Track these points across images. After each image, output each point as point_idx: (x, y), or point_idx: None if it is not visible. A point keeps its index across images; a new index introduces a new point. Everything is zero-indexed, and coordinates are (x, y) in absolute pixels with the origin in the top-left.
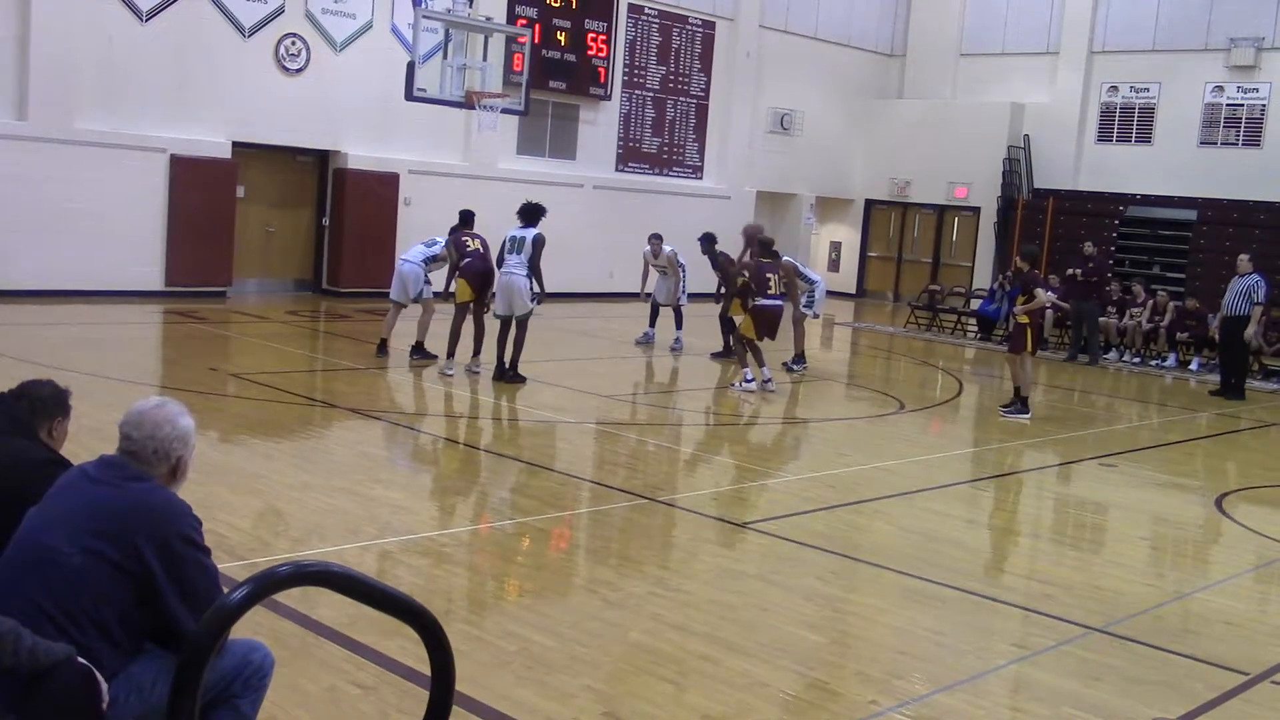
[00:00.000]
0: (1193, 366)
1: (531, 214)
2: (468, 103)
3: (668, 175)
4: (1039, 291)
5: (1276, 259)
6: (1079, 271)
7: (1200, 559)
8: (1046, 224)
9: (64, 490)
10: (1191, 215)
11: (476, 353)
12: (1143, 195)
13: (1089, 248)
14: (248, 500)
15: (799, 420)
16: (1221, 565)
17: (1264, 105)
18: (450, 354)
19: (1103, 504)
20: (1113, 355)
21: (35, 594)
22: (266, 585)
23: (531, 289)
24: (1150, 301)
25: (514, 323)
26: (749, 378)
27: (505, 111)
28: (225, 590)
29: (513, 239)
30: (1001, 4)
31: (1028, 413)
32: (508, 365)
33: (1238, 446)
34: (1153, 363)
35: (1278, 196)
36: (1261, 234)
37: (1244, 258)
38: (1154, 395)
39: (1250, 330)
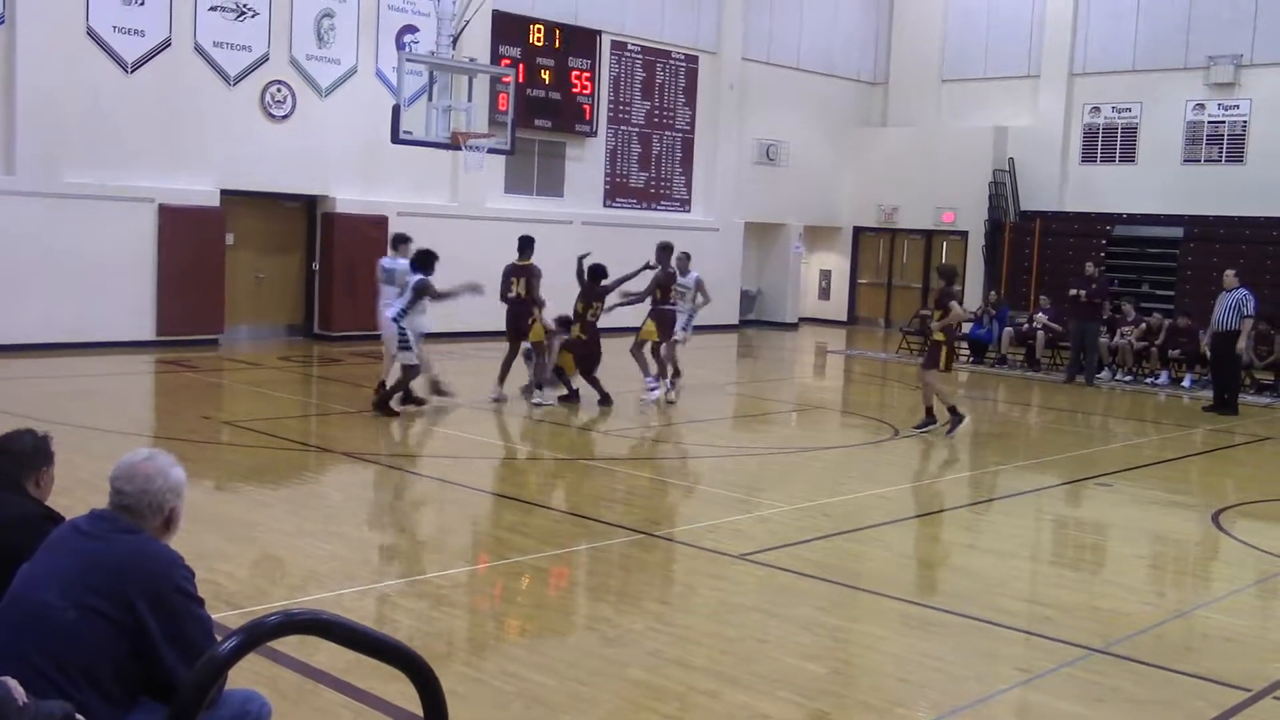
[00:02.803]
0: (1185, 383)
1: (424, 260)
2: (454, 144)
3: (656, 209)
4: (954, 305)
5: (1265, 273)
6: (1082, 292)
7: (1199, 576)
8: (1034, 246)
9: (56, 546)
10: (1178, 233)
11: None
12: (1129, 214)
13: (1090, 268)
14: (244, 548)
15: (794, 449)
16: (1221, 582)
17: (1245, 121)
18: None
19: (1100, 524)
20: (1105, 374)
21: (30, 652)
22: (256, 635)
23: (403, 333)
24: (1144, 324)
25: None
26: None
27: (492, 151)
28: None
29: (385, 270)
30: (981, 29)
31: (934, 423)
32: (384, 398)
33: (1232, 462)
34: (1146, 380)
35: (1262, 211)
36: (1248, 249)
37: (1230, 273)
38: (1148, 413)
39: (1241, 343)
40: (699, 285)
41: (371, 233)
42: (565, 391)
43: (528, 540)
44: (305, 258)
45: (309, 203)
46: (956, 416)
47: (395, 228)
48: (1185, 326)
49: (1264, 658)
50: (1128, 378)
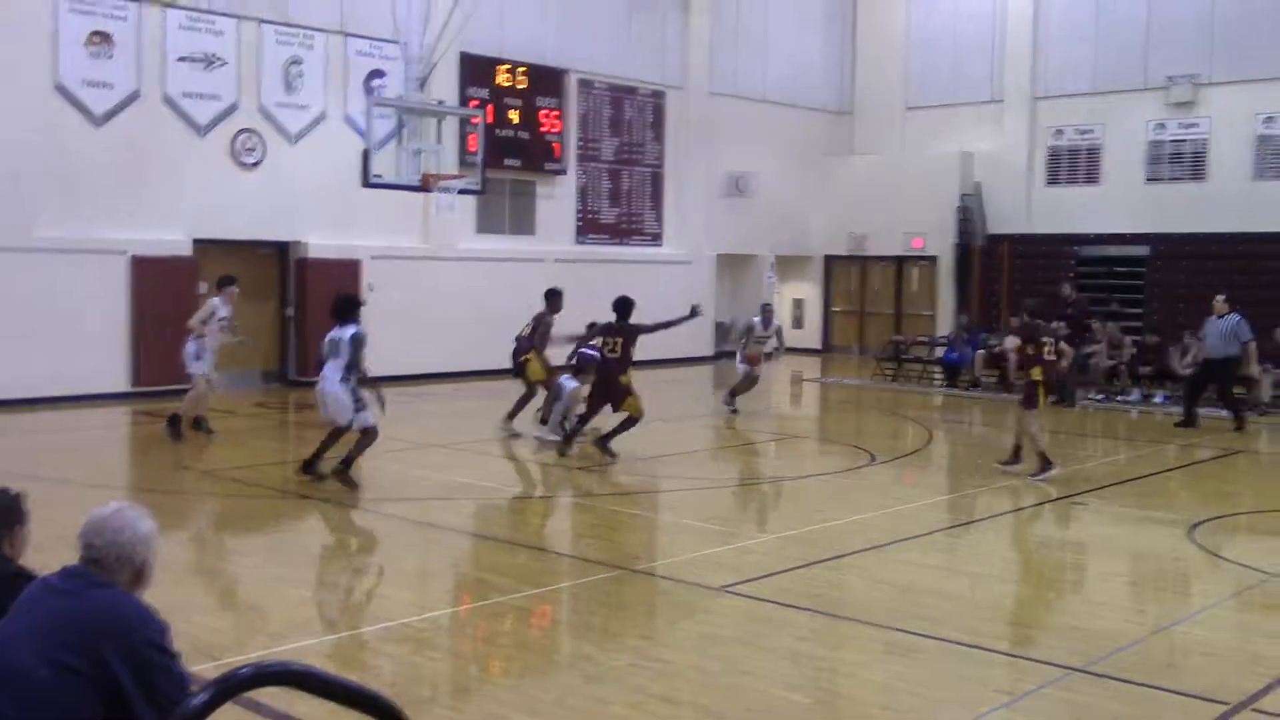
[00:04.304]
0: (1158, 400)
1: (345, 309)
2: (425, 186)
3: (628, 244)
4: (1064, 346)
5: (1231, 288)
6: (1062, 315)
7: (1177, 591)
8: (1004, 269)
9: (28, 604)
10: (1145, 251)
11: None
12: (1096, 234)
13: (1068, 290)
14: (223, 599)
15: (772, 479)
16: (1198, 596)
17: (1205, 139)
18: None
19: (1078, 542)
20: (1078, 394)
21: (5, 712)
22: (227, 689)
23: (355, 395)
24: (1104, 339)
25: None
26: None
27: (463, 192)
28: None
29: (330, 341)
30: (944, 57)
31: (1019, 464)
32: (341, 463)
33: (1206, 476)
34: (1118, 399)
35: (1226, 228)
36: (1213, 264)
37: (1220, 299)
38: (1121, 431)
39: (1254, 368)
40: (778, 332)
41: (345, 277)
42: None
43: (509, 580)
44: (279, 304)
45: (282, 249)
46: (1046, 464)
47: (369, 272)
48: (1154, 344)
49: (1241, 671)
50: (1099, 396)
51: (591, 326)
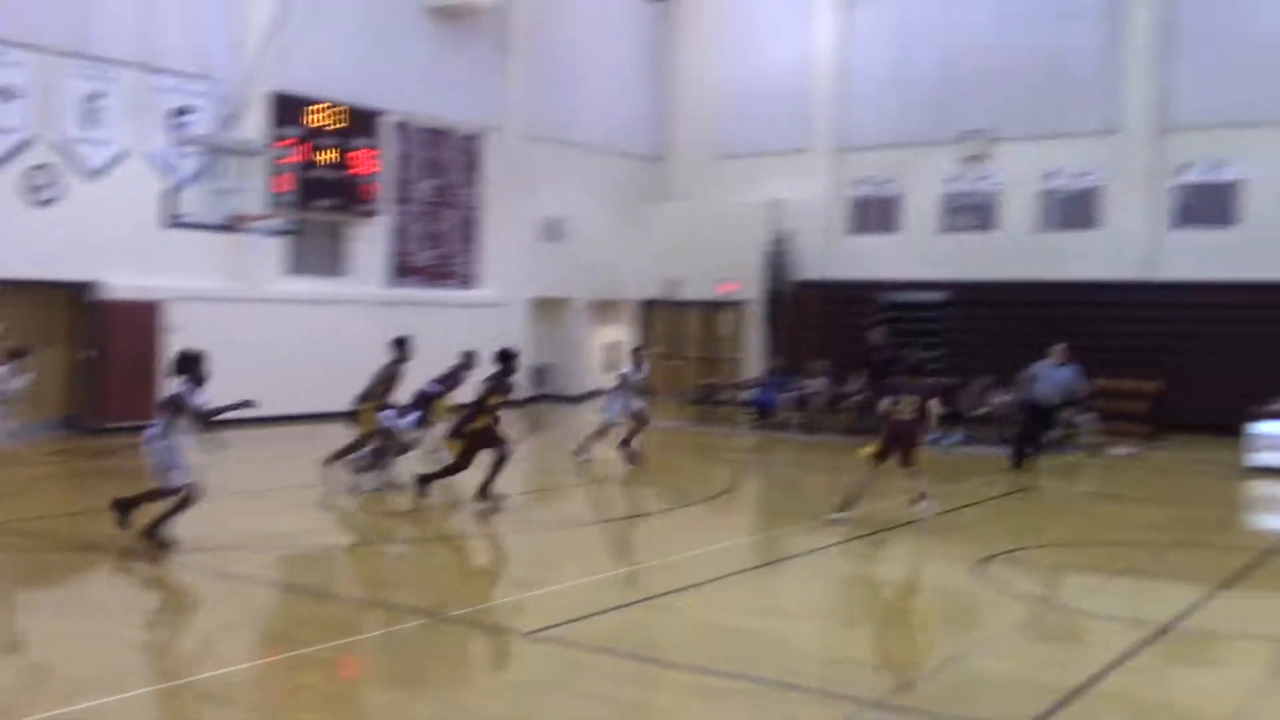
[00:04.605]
0: (957, 440)
1: (185, 365)
2: (233, 226)
3: (442, 287)
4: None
5: (1026, 334)
6: (874, 359)
7: (969, 624)
8: (811, 314)
9: None
10: (941, 297)
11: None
12: (896, 281)
13: (878, 335)
14: (10, 657)
15: (585, 522)
16: (988, 628)
17: (996, 192)
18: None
19: (881, 580)
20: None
21: None
22: None
23: (173, 453)
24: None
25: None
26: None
27: (273, 233)
28: None
29: (167, 397)
30: (754, 106)
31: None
32: (150, 524)
33: (999, 511)
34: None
35: (1015, 275)
36: (1004, 310)
37: (1060, 347)
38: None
39: (1077, 416)
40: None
41: (147, 319)
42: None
43: (315, 631)
44: (76, 347)
45: (78, 289)
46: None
47: (173, 313)
48: (949, 386)
49: (1030, 698)
50: None
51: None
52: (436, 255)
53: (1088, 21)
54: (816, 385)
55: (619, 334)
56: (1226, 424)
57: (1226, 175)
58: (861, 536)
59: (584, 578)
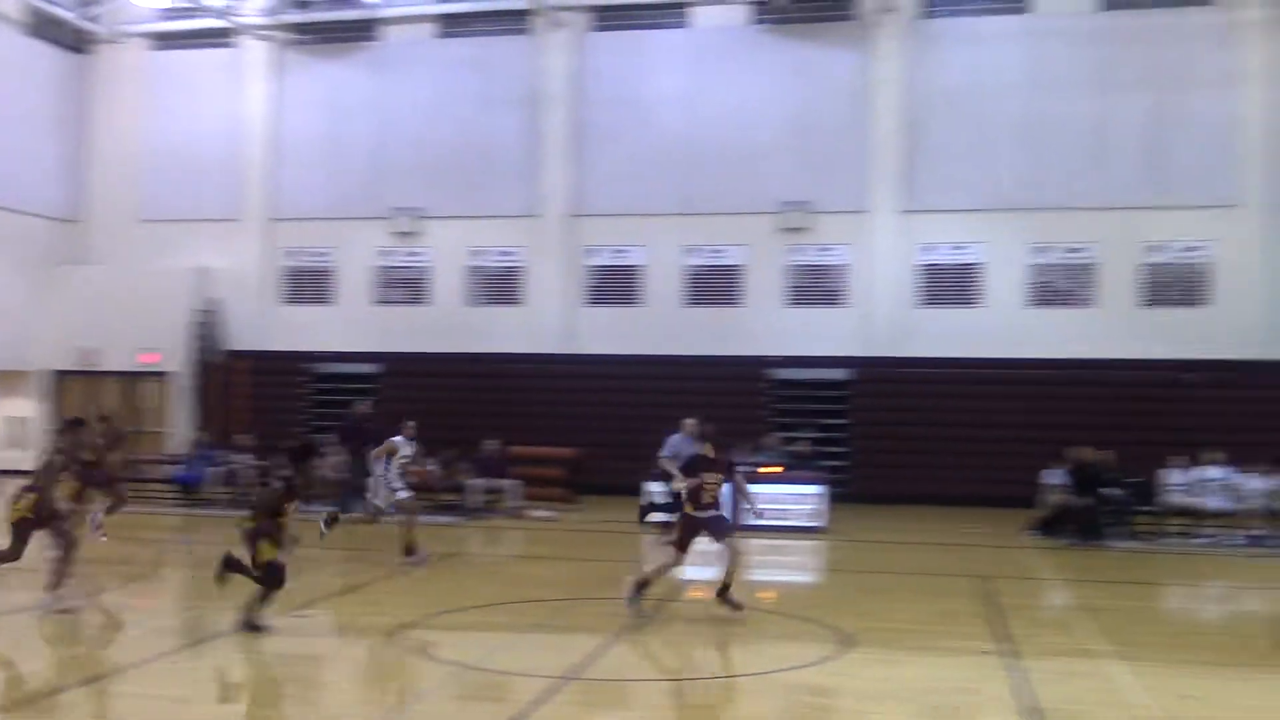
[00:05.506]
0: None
1: None
2: None
3: None
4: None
5: (457, 405)
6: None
7: (387, 689)
8: (243, 385)
9: None
10: (374, 369)
11: None
12: (331, 352)
13: (362, 405)
14: None
15: None
16: (409, 692)
17: (427, 267)
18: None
19: (303, 655)
20: (314, 506)
21: None
22: None
23: None
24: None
25: None
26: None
27: None
28: None
29: None
30: (181, 170)
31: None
32: None
33: (430, 578)
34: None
35: (445, 348)
36: (434, 381)
37: (692, 421)
38: (340, 542)
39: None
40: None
41: None
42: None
43: None
44: None
45: None
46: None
47: None
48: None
49: None
50: (332, 506)
51: None
52: None
53: (511, 113)
54: (245, 459)
55: (26, 407)
56: (633, 486)
57: (631, 259)
58: (287, 614)
59: None
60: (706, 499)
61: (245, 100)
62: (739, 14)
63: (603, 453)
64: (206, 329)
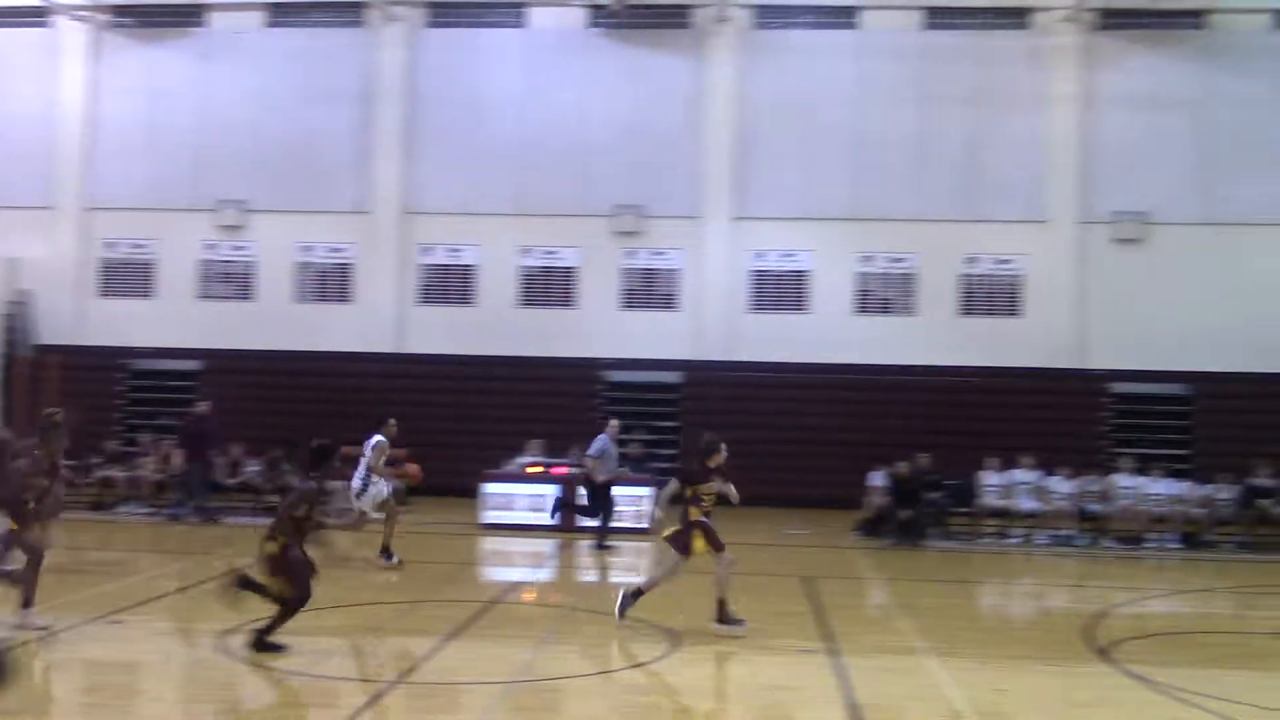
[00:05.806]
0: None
1: None
2: None
3: None
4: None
5: (284, 404)
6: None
7: (220, 702)
8: (52, 381)
9: None
10: (197, 365)
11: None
12: (151, 347)
13: (203, 406)
14: None
15: None
16: (249, 703)
17: (254, 262)
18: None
19: (120, 662)
20: (128, 507)
21: None
22: None
23: None
24: (163, 453)
25: None
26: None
27: None
28: None
29: None
30: None
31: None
32: None
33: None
34: (163, 512)
35: (273, 345)
36: (260, 379)
37: (615, 423)
38: (172, 544)
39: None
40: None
41: None
42: None
43: None
44: None
45: None
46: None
47: None
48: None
49: None
50: (148, 509)
51: None
52: None
53: (341, 108)
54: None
55: None
56: (469, 486)
57: (464, 258)
58: (96, 618)
59: None
60: (708, 505)
61: (60, 83)
62: (576, 16)
63: (435, 453)
64: (15, 322)
